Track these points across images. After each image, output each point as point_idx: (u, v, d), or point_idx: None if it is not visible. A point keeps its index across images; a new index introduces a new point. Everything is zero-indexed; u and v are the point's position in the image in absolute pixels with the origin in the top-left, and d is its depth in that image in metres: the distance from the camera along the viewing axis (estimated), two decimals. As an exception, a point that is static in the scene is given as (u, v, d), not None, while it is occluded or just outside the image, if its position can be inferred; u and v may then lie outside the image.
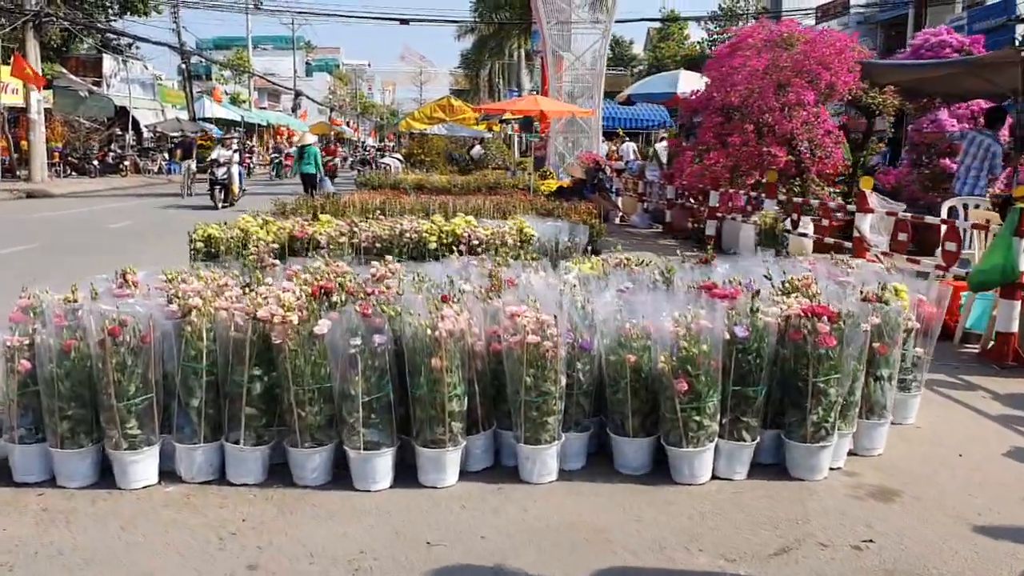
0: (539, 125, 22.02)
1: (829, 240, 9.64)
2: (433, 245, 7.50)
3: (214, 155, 20.07)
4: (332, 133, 66.44)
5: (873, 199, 8.43)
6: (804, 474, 3.92)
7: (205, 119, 41.54)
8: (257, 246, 7.33)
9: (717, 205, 12.78)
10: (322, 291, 3.99)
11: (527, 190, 19.58)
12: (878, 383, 4.20)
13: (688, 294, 4.34)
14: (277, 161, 36.14)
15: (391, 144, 51.32)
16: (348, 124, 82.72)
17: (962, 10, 34.82)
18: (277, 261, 5.27)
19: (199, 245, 7.45)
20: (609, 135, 27.15)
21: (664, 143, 28.98)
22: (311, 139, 21.68)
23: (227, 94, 48.30)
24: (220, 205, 18.83)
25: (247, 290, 4.23)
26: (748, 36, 12.94)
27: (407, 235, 7.56)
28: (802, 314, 3.87)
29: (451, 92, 76.50)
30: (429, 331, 3.66)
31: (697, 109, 14.40)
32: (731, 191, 12.40)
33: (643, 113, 31.50)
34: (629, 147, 27.86)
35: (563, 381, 3.80)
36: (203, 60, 47.19)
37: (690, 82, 16.89)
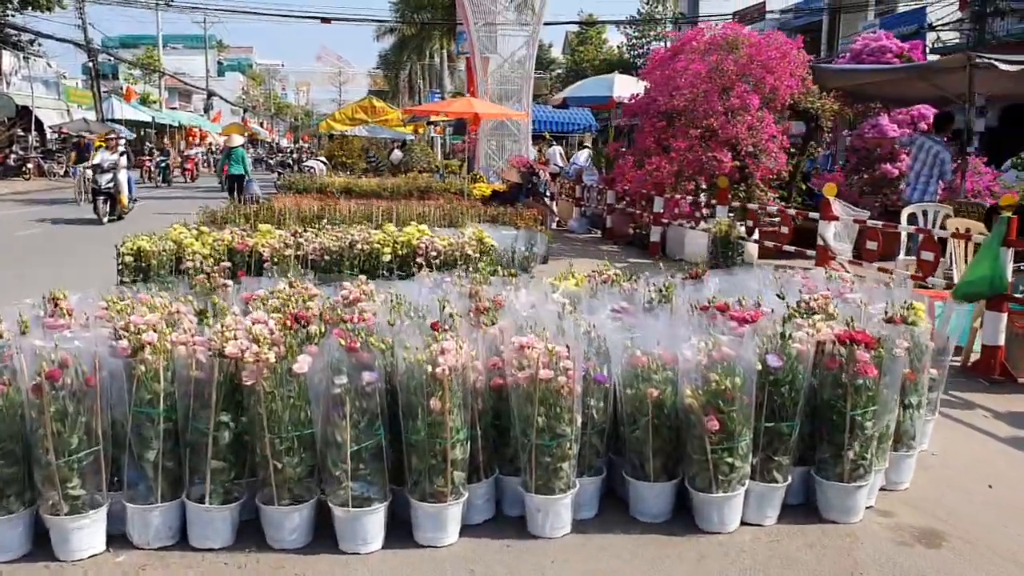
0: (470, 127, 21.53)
1: (789, 248, 9.42)
2: (387, 257, 6.97)
3: (96, 159, 16.78)
4: (246, 134, 64.79)
5: (837, 206, 8.22)
6: (839, 516, 3.55)
7: (114, 120, 39.85)
8: (193, 260, 6.70)
9: (662, 211, 12.53)
10: (297, 320, 3.45)
11: (460, 194, 19.14)
12: (907, 412, 3.87)
13: (700, 316, 3.93)
14: (164, 164, 32.16)
15: (306, 145, 50.06)
16: (262, 125, 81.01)
17: (874, 17, 35.68)
18: (229, 281, 4.68)
19: (128, 259, 6.77)
20: (535, 138, 26.86)
21: (587, 151, 28.99)
22: (238, 140, 20.60)
23: (137, 94, 46.45)
24: (106, 219, 15.93)
25: (203, 318, 3.68)
26: (692, 39, 12.73)
27: (358, 246, 7.00)
28: (836, 340, 3.51)
29: (369, 93, 75.61)
30: (429, 368, 3.17)
31: (636, 113, 14.14)
32: (677, 197, 12.15)
33: (569, 117, 31.31)
34: (556, 151, 27.60)
35: (579, 421, 3.35)
36: (111, 58, 45.21)
37: (626, 86, 16.70)
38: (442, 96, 44.00)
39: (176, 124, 50.82)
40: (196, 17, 60.09)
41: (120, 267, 6.88)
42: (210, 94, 61.41)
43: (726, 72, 12.03)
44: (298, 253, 6.96)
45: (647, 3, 53.40)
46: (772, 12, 42.98)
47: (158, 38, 51.94)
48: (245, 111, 74.96)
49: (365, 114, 33.45)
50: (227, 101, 68.33)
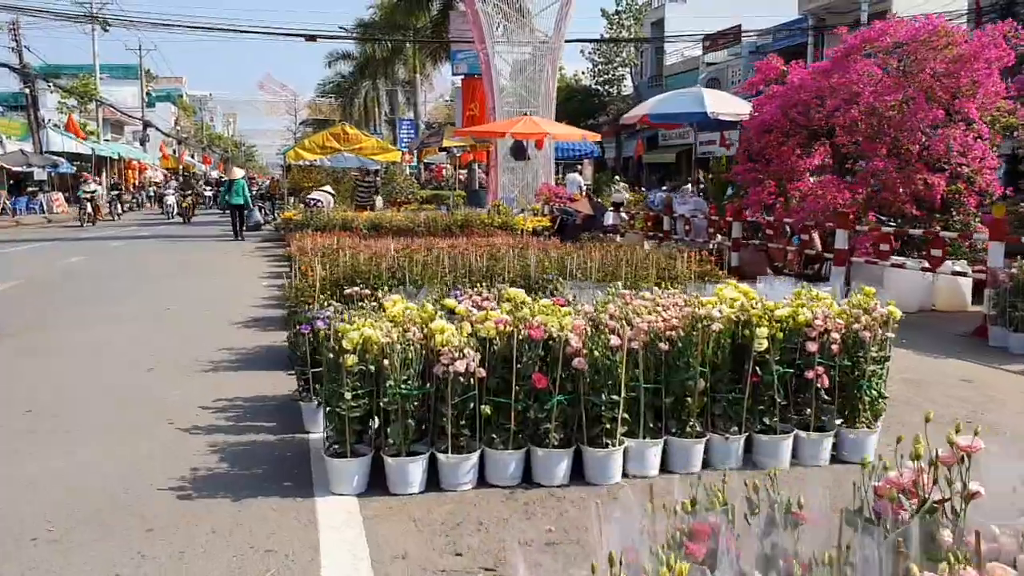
0: (536, 151, 18.85)
1: None
2: (762, 344, 4.25)
3: None
4: (181, 166, 60.88)
5: None
6: None
7: (53, 152, 36.12)
8: (464, 358, 3.89)
9: (844, 247, 10.05)
10: None
11: (506, 228, 16.48)
12: None
13: None
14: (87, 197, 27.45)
15: (261, 180, 46.32)
16: (193, 156, 77.30)
17: (866, 37, 34.11)
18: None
19: (350, 360, 3.90)
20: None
21: (576, 175, 26.72)
22: (239, 173, 22.25)
23: (80, 126, 42.50)
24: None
25: None
26: (877, 37, 10.33)
27: (712, 326, 4.25)
28: None
29: (309, 122, 72.24)
30: None
31: (771, 127, 11.71)
32: (883, 230, 9.69)
33: (570, 143, 29.01)
34: (575, 179, 25.24)
35: None
36: (50, 85, 41.25)
37: (721, 101, 14.30)
38: (414, 123, 41.24)
39: (116, 156, 46.86)
40: (130, 44, 56.68)
41: (330, 371, 4.02)
42: (146, 125, 57.60)
43: (935, 76, 9.70)
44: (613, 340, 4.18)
45: (611, 28, 51.70)
46: (748, 34, 41.31)
47: (95, 65, 48.00)
48: (179, 142, 71.29)
49: (337, 142, 30.68)
50: (162, 132, 64.44)
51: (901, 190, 9.71)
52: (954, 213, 9.74)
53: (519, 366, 4.06)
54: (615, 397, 4.06)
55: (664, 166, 45.31)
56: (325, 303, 5.36)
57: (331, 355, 4.05)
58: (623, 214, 17.38)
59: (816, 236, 11.06)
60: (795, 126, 11.51)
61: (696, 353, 4.20)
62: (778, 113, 11.60)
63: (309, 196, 20.37)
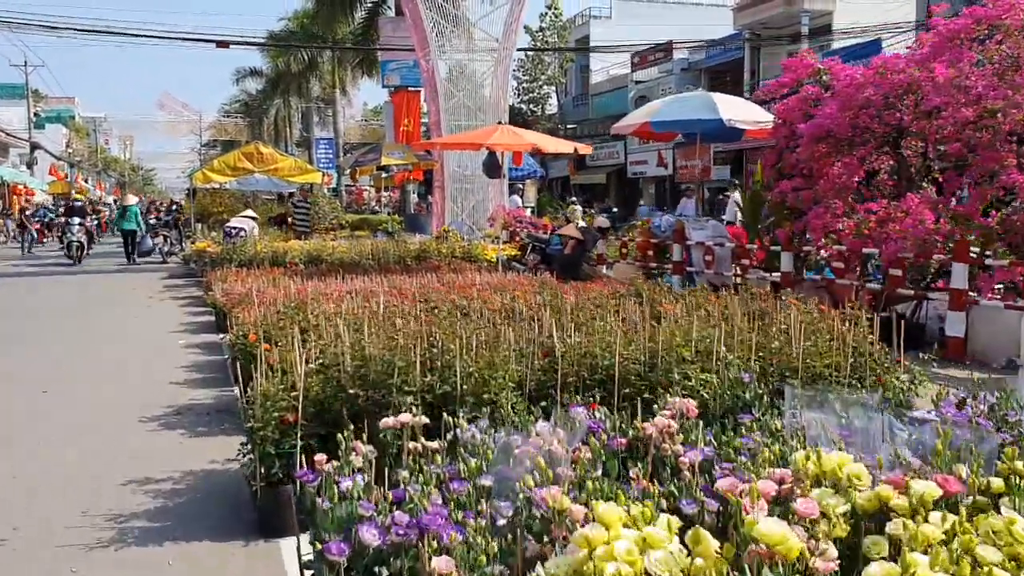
0: (512, 165, 16.17)
1: None
2: None
3: None
4: (73, 191, 56.34)
5: None
6: None
7: (-80, 176, 31.89)
8: None
9: (965, 286, 7.72)
10: None
11: (471, 260, 13.88)
12: None
13: None
14: None
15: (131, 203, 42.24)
16: (87, 180, 72.42)
17: (807, 53, 32.72)
18: None
19: None
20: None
21: (516, 196, 24.34)
22: (133, 200, 22.25)
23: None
24: None
25: None
26: (1003, 13, 8.04)
27: None
28: None
29: (212, 143, 68.23)
30: None
31: (828, 133, 9.39)
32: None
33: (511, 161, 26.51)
34: (515, 200, 22.89)
35: None
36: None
37: (734, 107, 11.93)
38: (333, 141, 38.11)
39: (-1, 181, 42.39)
40: (15, 59, 52.32)
41: None
42: (34, 147, 53.00)
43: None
44: None
45: (535, 44, 49.70)
46: (680, 47, 39.87)
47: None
48: (72, 166, 66.41)
49: (250, 162, 27.61)
50: (52, 155, 59.66)
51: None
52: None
53: None
54: None
55: (592, 187, 43.43)
56: (348, 452, 2.65)
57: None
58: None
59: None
60: (860, 132, 9.21)
61: None
62: (840, 117, 9.28)
63: (229, 224, 17.18)
